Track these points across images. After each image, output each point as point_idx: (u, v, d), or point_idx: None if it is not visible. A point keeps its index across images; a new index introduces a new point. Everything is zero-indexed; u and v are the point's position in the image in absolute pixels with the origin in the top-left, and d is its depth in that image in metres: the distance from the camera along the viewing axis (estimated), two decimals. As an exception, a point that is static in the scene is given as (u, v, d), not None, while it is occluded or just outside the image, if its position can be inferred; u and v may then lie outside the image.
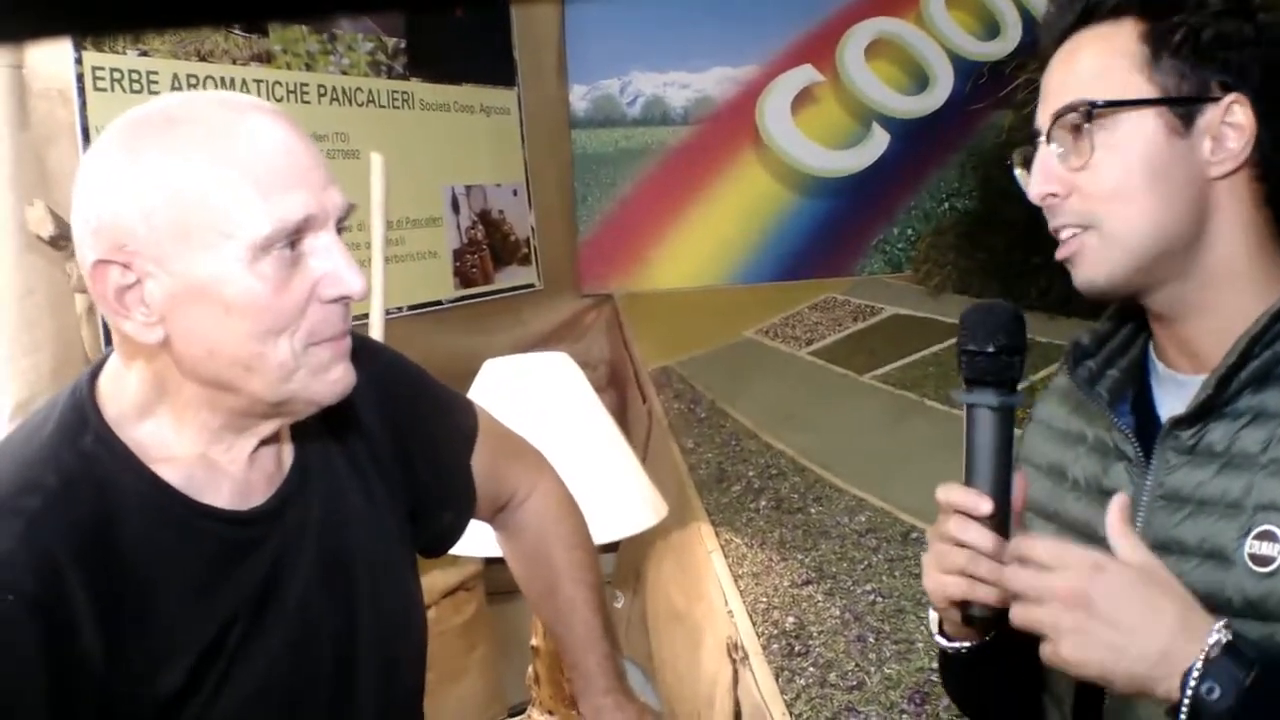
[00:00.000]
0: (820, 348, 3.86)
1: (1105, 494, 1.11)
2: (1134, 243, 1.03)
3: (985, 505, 1.01)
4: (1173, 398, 1.09)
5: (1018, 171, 1.14)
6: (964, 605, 1.05)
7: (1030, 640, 0.98)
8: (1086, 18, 1.07)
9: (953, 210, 4.50)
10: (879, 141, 4.45)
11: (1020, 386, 1.07)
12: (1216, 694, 0.87)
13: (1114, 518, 0.95)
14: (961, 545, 1.03)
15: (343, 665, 1.16)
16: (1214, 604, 0.99)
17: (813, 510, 2.78)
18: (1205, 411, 1.03)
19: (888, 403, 3.35)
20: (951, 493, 1.03)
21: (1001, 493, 1.03)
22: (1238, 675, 0.87)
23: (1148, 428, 1.10)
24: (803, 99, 4.40)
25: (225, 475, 1.07)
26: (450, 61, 3.46)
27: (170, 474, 1.04)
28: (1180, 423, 1.05)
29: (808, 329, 4.03)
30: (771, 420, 3.33)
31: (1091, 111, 1.03)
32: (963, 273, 4.10)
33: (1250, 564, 0.98)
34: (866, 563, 2.49)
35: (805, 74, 4.39)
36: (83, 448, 1.01)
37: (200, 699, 1.04)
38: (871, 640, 2.20)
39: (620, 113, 4.33)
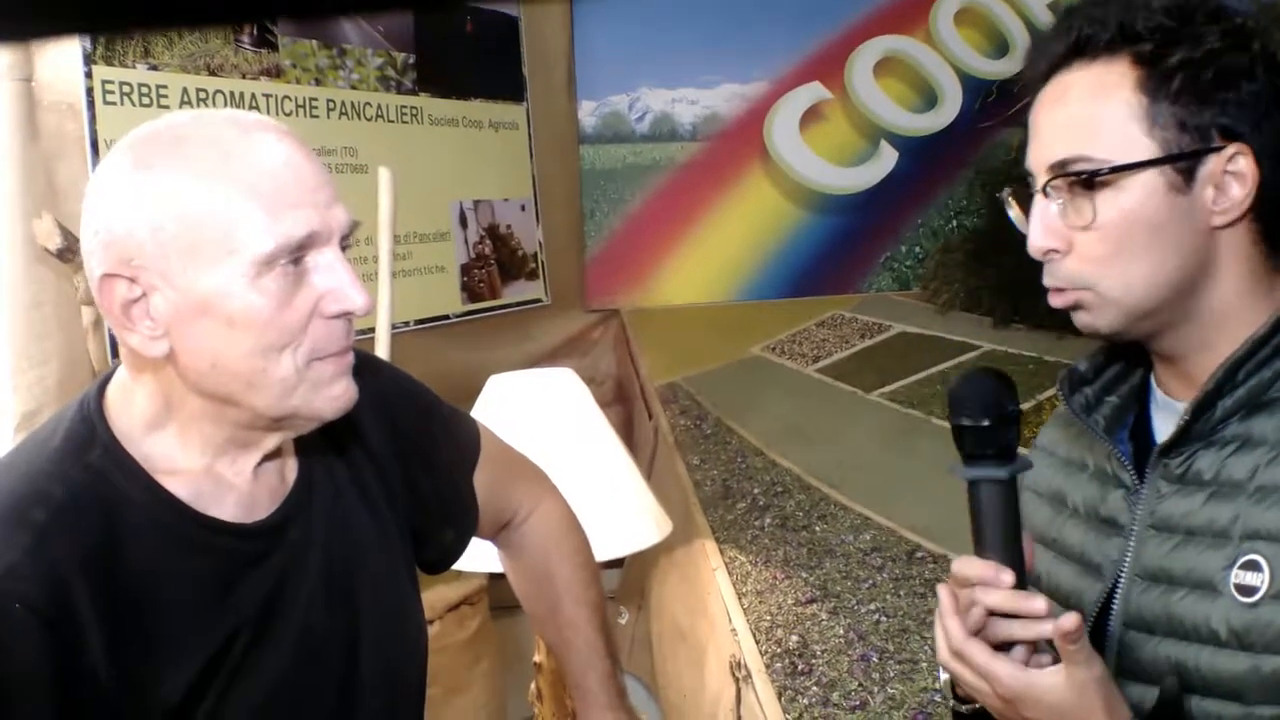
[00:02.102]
0: (827, 365, 3.85)
1: (1103, 522, 1.11)
2: (1131, 301, 1.02)
3: (1007, 577, 0.99)
4: (1168, 425, 1.07)
5: (1012, 213, 1.10)
6: None
7: None
8: (1078, 52, 1.03)
9: (961, 228, 4.50)
10: (887, 159, 4.45)
11: (1026, 406, 1.07)
12: None
13: (1066, 632, 0.96)
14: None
15: (345, 679, 1.16)
16: (1200, 635, 0.99)
17: (817, 528, 2.77)
18: (1188, 438, 1.02)
19: (894, 421, 3.34)
20: (971, 567, 1.01)
21: (1017, 559, 1.01)
22: None
23: (1146, 456, 1.08)
24: (811, 116, 4.40)
25: (230, 489, 1.08)
26: (459, 77, 3.48)
27: (177, 487, 1.04)
28: (1168, 450, 1.04)
29: (815, 346, 4.03)
30: (777, 437, 3.32)
31: (1094, 178, 0.99)
32: (971, 291, 4.10)
33: (1236, 594, 0.96)
34: (871, 581, 2.48)
35: (814, 91, 4.40)
36: (90, 461, 1.02)
37: (203, 711, 1.04)
38: (875, 660, 2.19)
39: (629, 129, 4.34)
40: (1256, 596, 0.95)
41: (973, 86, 4.47)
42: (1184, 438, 1.03)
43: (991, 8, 4.46)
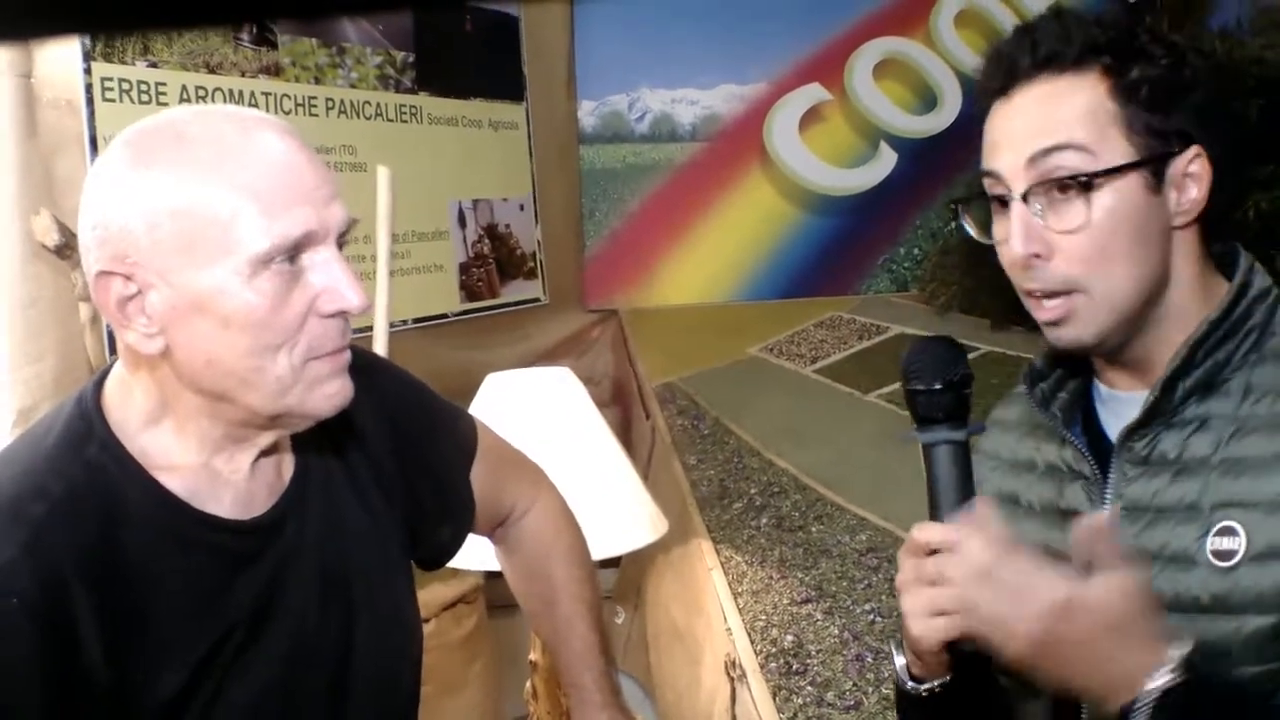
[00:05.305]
0: (825, 366, 3.85)
1: (1063, 514, 1.14)
2: (1120, 301, 1.05)
3: None
4: (1117, 415, 1.12)
5: (968, 224, 1.15)
6: (954, 644, 1.03)
7: (997, 666, 1.01)
8: (1045, 65, 1.06)
9: (959, 230, 4.49)
10: (886, 160, 4.45)
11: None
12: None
13: (1090, 537, 0.96)
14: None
15: (337, 677, 1.16)
16: (1181, 605, 1.02)
17: (814, 529, 2.78)
18: (1155, 417, 1.06)
19: (891, 422, 3.34)
20: (932, 532, 1.02)
21: None
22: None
23: (1097, 447, 1.13)
24: (811, 117, 4.40)
25: (227, 485, 1.08)
26: (459, 76, 3.48)
27: (174, 483, 1.04)
28: (1132, 433, 1.08)
29: (813, 347, 4.03)
30: (774, 438, 3.32)
31: (1092, 180, 1.02)
32: (969, 292, 4.09)
33: (1213, 560, 1.01)
34: (866, 582, 2.49)
35: (813, 92, 4.39)
36: (88, 456, 1.02)
37: (196, 707, 1.04)
38: (870, 660, 2.19)
39: (628, 129, 4.34)
40: (1234, 560, 1.00)
41: (972, 88, 4.43)
42: (1149, 418, 1.07)
43: (991, 10, 4.46)
